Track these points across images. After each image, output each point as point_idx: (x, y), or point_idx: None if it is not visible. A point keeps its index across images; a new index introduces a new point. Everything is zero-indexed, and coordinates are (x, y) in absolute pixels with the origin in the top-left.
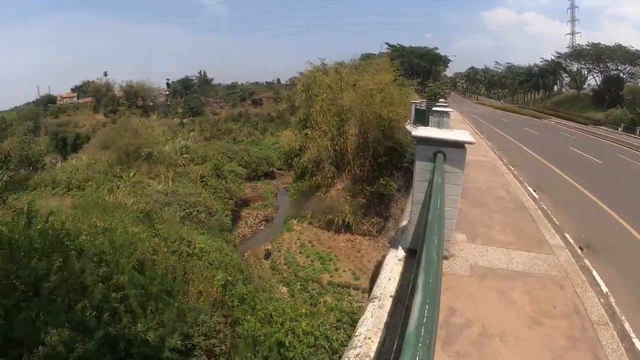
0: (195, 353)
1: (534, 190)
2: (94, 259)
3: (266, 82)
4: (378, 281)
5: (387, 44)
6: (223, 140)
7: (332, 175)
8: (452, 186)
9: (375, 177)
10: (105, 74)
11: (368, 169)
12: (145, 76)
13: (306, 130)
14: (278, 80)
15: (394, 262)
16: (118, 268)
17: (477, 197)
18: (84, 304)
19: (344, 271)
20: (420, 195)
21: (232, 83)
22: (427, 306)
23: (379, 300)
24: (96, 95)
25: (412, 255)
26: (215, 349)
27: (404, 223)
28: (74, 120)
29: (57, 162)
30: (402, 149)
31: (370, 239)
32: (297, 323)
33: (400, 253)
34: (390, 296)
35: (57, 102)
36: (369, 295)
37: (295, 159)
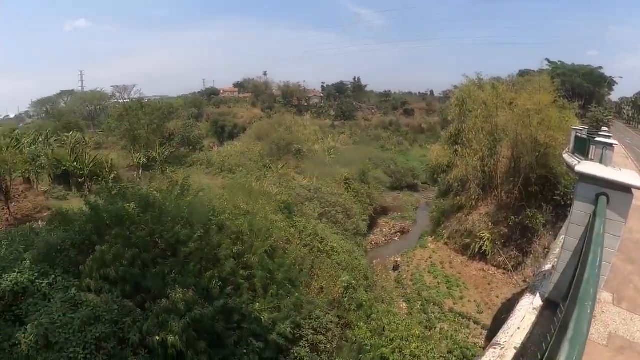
0: (301, 344)
1: None
2: (232, 237)
3: (419, 93)
4: (505, 327)
5: (548, 60)
6: (371, 147)
7: (476, 197)
8: (610, 237)
9: (521, 207)
10: (265, 74)
11: (516, 197)
12: (302, 78)
13: (456, 146)
14: (431, 92)
15: (527, 310)
16: (251, 249)
17: (631, 250)
18: (213, 273)
19: (468, 301)
20: (573, 241)
21: (385, 91)
22: None
23: (501, 349)
24: (255, 91)
25: (550, 307)
26: (321, 345)
27: (547, 267)
28: (233, 112)
29: (213, 146)
30: (556, 179)
31: (504, 273)
32: (407, 343)
33: (537, 301)
34: (515, 348)
35: (220, 94)
36: (487, 334)
37: (442, 175)
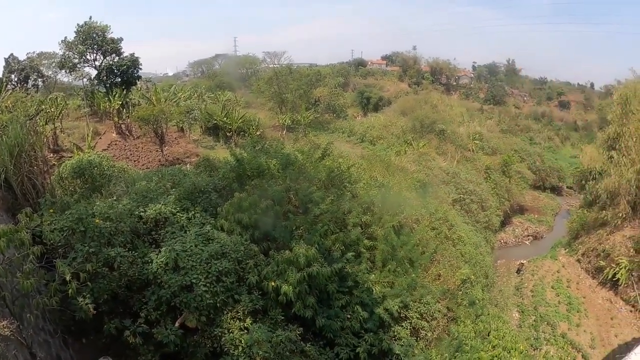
0: (404, 324)
1: None
2: (363, 206)
3: (578, 84)
4: None
5: None
6: (519, 137)
7: (624, 216)
8: None
9: None
10: (414, 48)
11: None
12: (452, 55)
13: (612, 152)
14: (592, 84)
15: None
16: (380, 221)
17: None
18: (338, 237)
19: (584, 331)
20: None
21: (541, 78)
22: None
23: None
24: (403, 65)
25: None
26: (422, 331)
27: None
28: (380, 84)
29: (357, 116)
30: None
31: (631, 311)
32: (509, 355)
33: None
34: None
35: (367, 66)
36: None
37: (591, 182)
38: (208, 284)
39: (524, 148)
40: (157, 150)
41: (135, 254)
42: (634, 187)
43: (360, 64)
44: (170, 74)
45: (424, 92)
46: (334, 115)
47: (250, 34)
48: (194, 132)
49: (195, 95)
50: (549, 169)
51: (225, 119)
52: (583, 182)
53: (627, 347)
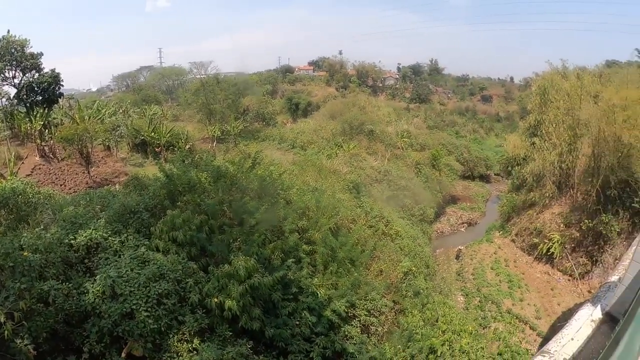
0: (353, 323)
1: None
2: (298, 211)
3: (499, 78)
4: (559, 335)
5: (638, 50)
6: (445, 132)
7: (551, 195)
8: None
9: (597, 211)
10: (340, 53)
11: (592, 199)
12: (378, 58)
13: (534, 138)
14: (511, 78)
15: (584, 321)
16: (316, 225)
17: None
18: (276, 245)
19: (528, 304)
20: None
21: (463, 75)
22: None
23: (550, 357)
24: (330, 70)
25: (610, 321)
26: (372, 327)
27: (613, 278)
28: (308, 90)
29: (287, 122)
30: (637, 184)
31: (569, 280)
32: (459, 338)
33: (597, 314)
34: (564, 359)
35: (295, 72)
36: (542, 342)
37: (517, 167)
38: (149, 309)
39: (451, 142)
40: (83, 172)
41: (70, 285)
42: (557, 168)
43: (287, 70)
44: (94, 89)
45: (352, 95)
46: (264, 123)
47: (176, 44)
48: (121, 149)
49: (121, 111)
50: (476, 159)
51: (152, 134)
52: (509, 168)
53: (570, 313)
